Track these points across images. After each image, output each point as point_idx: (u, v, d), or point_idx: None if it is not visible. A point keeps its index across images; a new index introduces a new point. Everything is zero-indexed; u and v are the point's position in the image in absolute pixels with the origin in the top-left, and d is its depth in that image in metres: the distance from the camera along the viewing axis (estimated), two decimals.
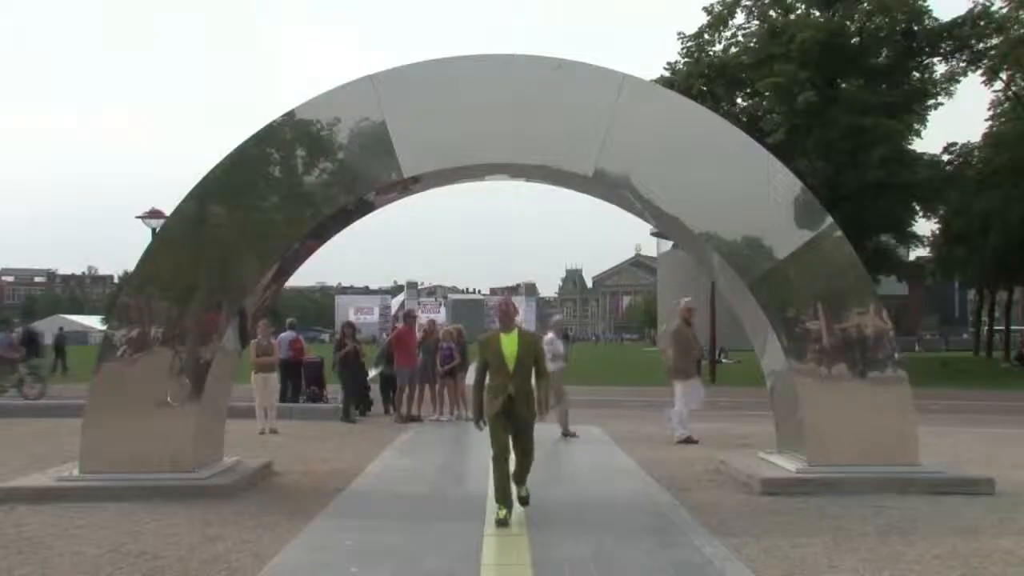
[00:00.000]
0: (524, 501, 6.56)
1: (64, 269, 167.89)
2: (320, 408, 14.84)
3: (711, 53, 31.81)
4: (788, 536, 6.01)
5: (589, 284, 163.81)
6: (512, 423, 6.44)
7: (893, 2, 28.46)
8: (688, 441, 11.07)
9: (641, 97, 8.21)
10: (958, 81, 30.31)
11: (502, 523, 6.20)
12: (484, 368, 6.60)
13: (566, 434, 11.66)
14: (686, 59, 31.89)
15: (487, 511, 6.56)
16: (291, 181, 8.06)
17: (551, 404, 12.05)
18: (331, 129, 8.02)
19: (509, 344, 6.50)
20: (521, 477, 6.58)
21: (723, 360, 36.07)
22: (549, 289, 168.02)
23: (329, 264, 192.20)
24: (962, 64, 30.38)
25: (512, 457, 6.48)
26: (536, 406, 6.75)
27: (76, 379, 21.25)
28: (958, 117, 35.61)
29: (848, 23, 29.83)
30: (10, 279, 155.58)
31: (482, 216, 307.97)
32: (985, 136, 35.09)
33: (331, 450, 10.54)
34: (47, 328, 45.69)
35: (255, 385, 12.36)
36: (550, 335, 12.33)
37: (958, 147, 34.86)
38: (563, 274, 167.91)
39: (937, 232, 38.98)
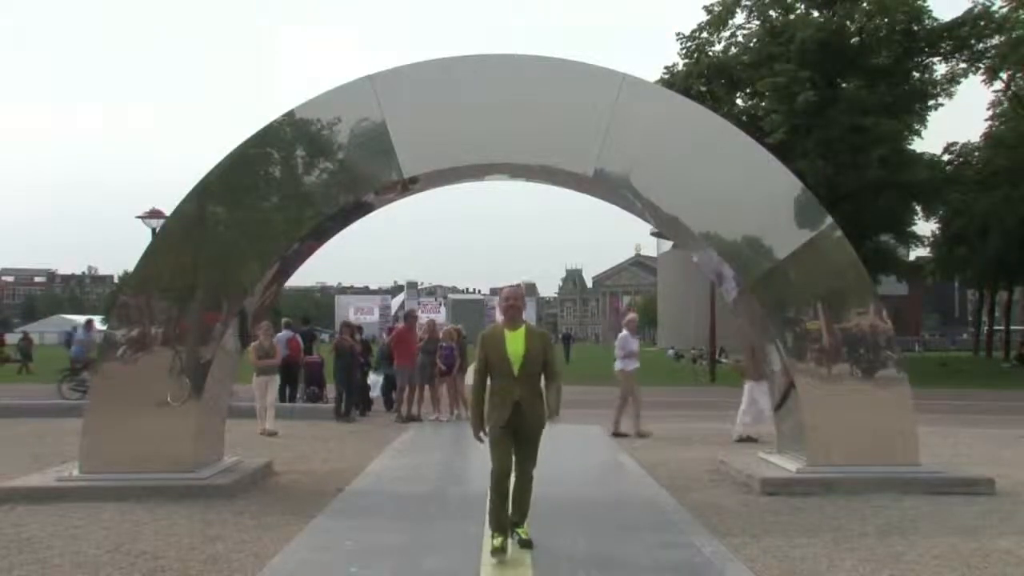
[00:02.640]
0: (526, 544, 5.56)
1: (64, 269, 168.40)
2: (320, 408, 14.86)
3: (710, 53, 31.82)
4: (788, 536, 6.01)
5: (589, 284, 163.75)
6: (518, 435, 5.58)
7: (893, 2, 28.47)
8: (747, 440, 11.01)
9: (641, 97, 8.21)
10: (958, 81, 30.36)
11: (500, 551, 5.40)
12: (485, 369, 5.69)
13: (641, 434, 11.76)
14: (686, 60, 31.91)
15: (487, 511, 6.50)
16: (291, 181, 8.06)
17: (623, 406, 12.07)
18: (331, 129, 8.01)
19: (515, 342, 5.57)
20: (521, 514, 5.64)
21: (723, 360, 36.07)
22: (549, 289, 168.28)
23: (329, 264, 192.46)
24: (962, 64, 30.41)
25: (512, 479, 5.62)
26: (546, 412, 5.74)
27: None
28: (958, 117, 35.66)
29: (848, 23, 29.85)
30: (10, 279, 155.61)
31: (482, 216, 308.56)
32: (985, 136, 35.13)
33: (331, 450, 10.54)
34: (48, 328, 45.77)
35: (256, 387, 12.32)
36: (624, 332, 12.51)
37: (958, 147, 34.92)
38: (563, 274, 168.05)
39: (937, 232, 39.02)
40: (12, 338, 39.70)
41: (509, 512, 5.57)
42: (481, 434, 5.65)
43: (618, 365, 12.30)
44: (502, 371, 5.58)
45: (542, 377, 5.71)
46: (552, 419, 5.74)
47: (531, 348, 5.58)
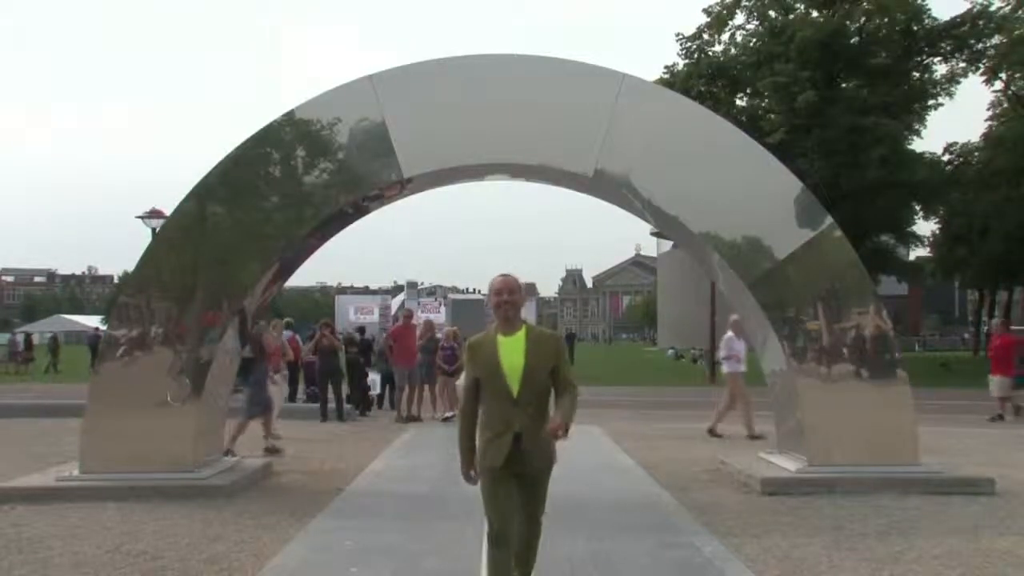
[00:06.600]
0: None
1: (64, 269, 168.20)
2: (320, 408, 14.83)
3: (710, 54, 31.83)
4: (788, 536, 6.01)
5: (589, 284, 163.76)
6: (521, 477, 4.14)
7: (893, 2, 28.46)
8: None
9: (641, 97, 8.21)
10: (958, 81, 30.37)
11: None
12: (475, 391, 4.21)
13: (753, 437, 11.42)
14: (686, 60, 31.92)
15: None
16: (291, 181, 8.06)
17: (723, 410, 11.77)
18: (331, 129, 8.02)
19: (511, 350, 4.09)
20: (525, 569, 4.37)
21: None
22: (549, 289, 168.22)
23: (329, 264, 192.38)
24: (962, 64, 30.42)
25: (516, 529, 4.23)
26: (555, 434, 4.01)
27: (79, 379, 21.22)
28: (958, 117, 35.66)
29: (848, 23, 29.86)
30: (10, 279, 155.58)
31: (482, 216, 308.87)
32: (985, 136, 35.13)
33: (331, 450, 10.54)
34: (48, 328, 46.13)
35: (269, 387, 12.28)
36: (729, 334, 12.00)
37: (958, 147, 34.92)
38: (563, 274, 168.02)
39: (937, 232, 39.02)
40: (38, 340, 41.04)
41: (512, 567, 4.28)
42: (472, 472, 4.20)
43: (726, 368, 12.09)
44: (496, 391, 4.10)
45: (550, 398, 4.22)
46: (559, 432, 4.00)
47: (534, 358, 4.08)
